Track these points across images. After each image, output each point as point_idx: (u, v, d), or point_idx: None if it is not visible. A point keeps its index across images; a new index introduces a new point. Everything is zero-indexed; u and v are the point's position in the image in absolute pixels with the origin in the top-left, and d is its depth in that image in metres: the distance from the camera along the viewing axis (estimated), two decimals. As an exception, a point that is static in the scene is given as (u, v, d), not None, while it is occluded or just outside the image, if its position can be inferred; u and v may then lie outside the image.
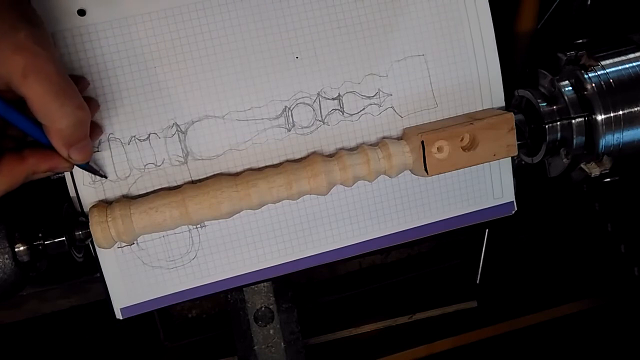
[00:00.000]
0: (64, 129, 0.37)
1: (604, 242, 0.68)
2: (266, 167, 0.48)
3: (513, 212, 0.53)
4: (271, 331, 0.56)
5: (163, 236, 0.47)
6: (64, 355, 0.69)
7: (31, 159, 0.39)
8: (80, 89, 0.39)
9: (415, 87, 0.49)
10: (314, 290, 0.75)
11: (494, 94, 0.51)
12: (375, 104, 0.49)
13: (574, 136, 0.49)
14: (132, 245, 0.47)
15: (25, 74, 0.34)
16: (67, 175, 0.45)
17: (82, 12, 0.44)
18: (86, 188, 0.45)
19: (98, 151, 0.45)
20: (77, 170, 0.45)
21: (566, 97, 0.49)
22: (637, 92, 0.47)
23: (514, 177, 0.53)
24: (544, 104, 0.50)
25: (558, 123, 0.49)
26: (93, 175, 0.45)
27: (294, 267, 0.50)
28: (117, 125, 0.45)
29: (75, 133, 0.38)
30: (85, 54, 0.44)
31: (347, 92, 0.48)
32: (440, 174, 0.46)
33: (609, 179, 0.54)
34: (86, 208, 0.45)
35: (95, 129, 0.42)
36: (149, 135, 0.46)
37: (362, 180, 0.47)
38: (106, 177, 0.45)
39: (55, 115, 0.36)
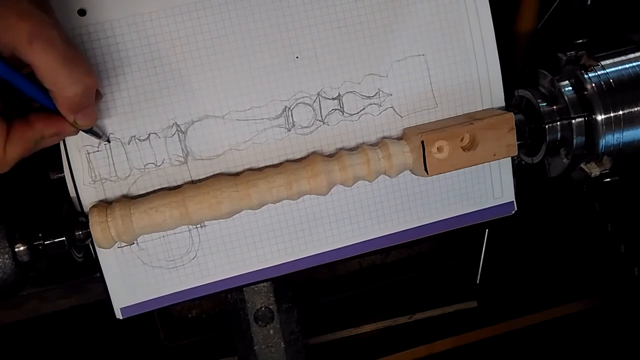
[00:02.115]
0: (72, 96, 0.37)
1: (604, 242, 0.68)
2: (266, 167, 0.48)
3: (513, 212, 0.53)
4: (271, 331, 0.56)
5: (163, 236, 0.47)
6: (64, 355, 0.69)
7: (38, 124, 0.38)
8: None
9: (415, 87, 0.49)
10: (314, 290, 0.75)
11: (494, 94, 0.51)
12: (375, 104, 0.49)
13: (574, 136, 0.49)
14: (132, 245, 0.47)
15: (31, 41, 0.33)
16: (67, 175, 0.45)
17: (82, 12, 0.44)
18: (86, 188, 0.45)
19: (98, 151, 0.45)
20: (77, 170, 0.45)
21: (566, 97, 0.49)
22: (637, 92, 0.47)
23: (514, 177, 0.53)
24: (544, 104, 0.50)
25: (558, 123, 0.49)
26: (93, 175, 0.45)
27: (294, 267, 0.50)
28: (117, 125, 0.45)
29: (83, 100, 0.38)
30: (85, 54, 0.44)
31: (347, 92, 0.48)
32: (440, 174, 0.46)
33: (609, 179, 0.54)
34: (86, 208, 0.45)
35: (97, 94, 0.41)
36: (149, 135, 0.46)
37: (362, 180, 0.47)
38: (109, 141, 0.45)
39: (64, 83, 0.36)
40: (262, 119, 0.47)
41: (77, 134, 0.42)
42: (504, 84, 0.51)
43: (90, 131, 0.43)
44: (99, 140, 0.45)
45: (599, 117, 0.47)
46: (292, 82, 0.47)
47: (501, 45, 0.50)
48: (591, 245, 0.71)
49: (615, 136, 0.48)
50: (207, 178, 0.47)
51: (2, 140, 0.37)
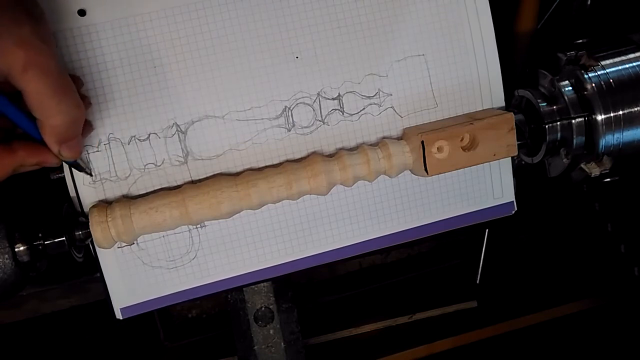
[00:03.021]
0: (58, 126, 0.37)
1: (604, 242, 0.68)
2: (266, 167, 0.48)
3: (513, 212, 0.53)
4: (271, 331, 0.56)
5: (163, 236, 0.47)
6: (64, 355, 0.69)
7: (20, 151, 0.39)
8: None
9: (415, 87, 0.49)
10: (314, 290, 0.75)
11: (494, 94, 0.51)
12: (375, 104, 0.49)
13: (574, 136, 0.49)
14: (132, 245, 0.47)
15: (26, 69, 0.34)
16: (67, 175, 0.45)
17: (82, 12, 0.44)
18: (86, 188, 0.45)
19: (98, 151, 0.45)
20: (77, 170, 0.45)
21: (566, 97, 0.49)
22: (637, 92, 0.47)
23: (514, 177, 0.53)
24: (544, 104, 0.50)
25: (558, 123, 0.49)
26: (93, 175, 0.45)
27: (294, 267, 0.50)
28: (117, 125, 0.45)
29: (69, 131, 0.38)
30: (85, 54, 0.44)
31: (347, 92, 0.48)
32: (440, 174, 0.46)
33: (609, 179, 0.54)
34: (86, 208, 0.45)
35: (86, 126, 0.42)
36: (149, 135, 0.46)
37: (362, 180, 0.47)
38: (91, 175, 0.45)
39: (51, 112, 0.36)
40: (262, 119, 0.47)
41: (59, 165, 0.42)
42: (504, 84, 0.51)
43: (74, 164, 0.43)
44: (81, 173, 0.45)
45: (599, 117, 0.47)
46: (292, 82, 0.47)
47: (501, 45, 0.50)
48: (591, 245, 0.71)
49: (615, 136, 0.48)
50: (207, 178, 0.47)
51: None
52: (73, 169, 0.44)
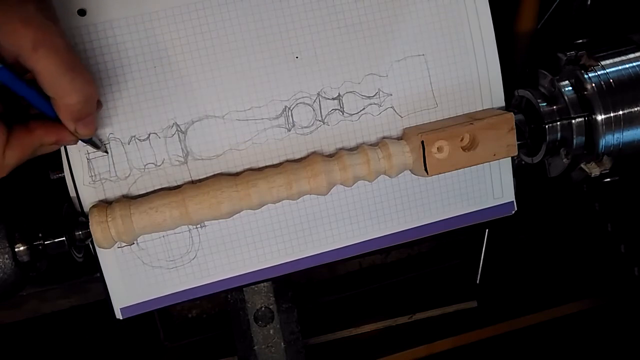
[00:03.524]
0: (73, 104, 0.37)
1: (604, 242, 0.68)
2: (266, 167, 0.48)
3: (513, 212, 0.53)
4: (271, 331, 0.56)
5: (163, 236, 0.47)
6: (64, 355, 0.69)
7: (38, 131, 0.39)
8: None
9: (415, 87, 0.49)
10: (314, 290, 0.75)
11: (494, 94, 0.51)
12: (375, 104, 0.49)
13: (574, 136, 0.49)
14: (132, 245, 0.47)
15: (36, 48, 0.34)
16: (67, 175, 0.45)
17: (82, 12, 0.44)
18: (86, 188, 0.45)
19: (98, 151, 0.45)
20: (77, 170, 0.45)
21: (566, 97, 0.49)
22: (637, 92, 0.47)
23: (514, 177, 0.53)
24: (544, 104, 0.50)
25: (558, 123, 0.49)
26: (93, 175, 0.45)
27: (294, 267, 0.50)
28: (117, 125, 0.45)
29: (84, 108, 0.38)
30: (85, 54, 0.44)
31: (347, 92, 0.48)
32: (440, 174, 0.46)
33: (609, 179, 0.54)
34: (86, 208, 0.45)
35: (98, 103, 0.41)
36: (149, 135, 0.46)
37: (362, 180, 0.47)
38: (107, 153, 0.45)
39: (65, 90, 0.36)
40: (262, 119, 0.47)
41: (76, 143, 0.42)
42: (504, 84, 0.51)
43: (90, 141, 0.44)
44: (97, 150, 0.45)
45: (599, 117, 0.47)
46: (292, 82, 0.47)
47: (501, 45, 0.50)
48: (591, 245, 0.71)
49: (615, 136, 0.48)
50: (207, 178, 0.47)
51: (2, 145, 0.37)
52: (90, 146, 0.44)
